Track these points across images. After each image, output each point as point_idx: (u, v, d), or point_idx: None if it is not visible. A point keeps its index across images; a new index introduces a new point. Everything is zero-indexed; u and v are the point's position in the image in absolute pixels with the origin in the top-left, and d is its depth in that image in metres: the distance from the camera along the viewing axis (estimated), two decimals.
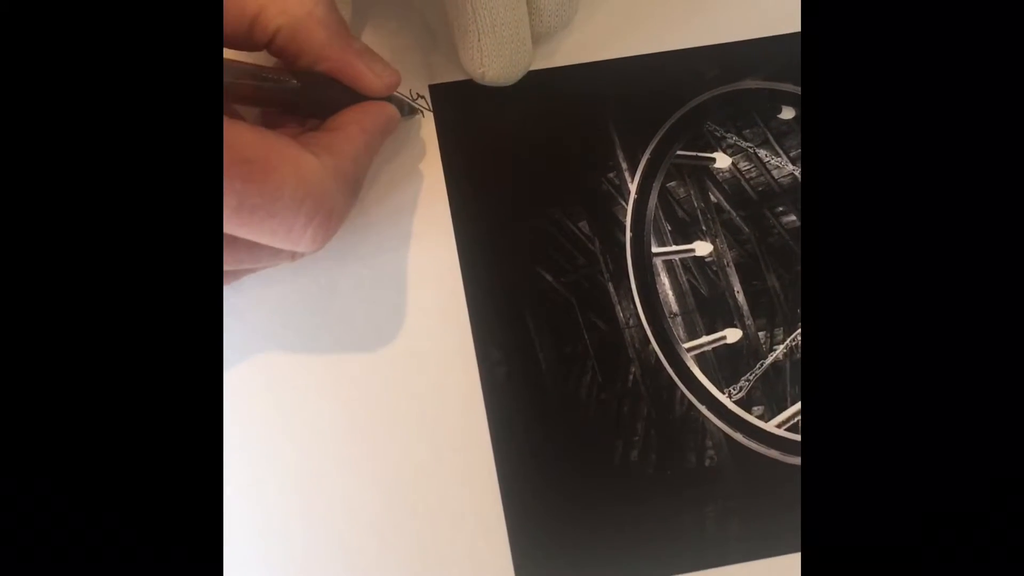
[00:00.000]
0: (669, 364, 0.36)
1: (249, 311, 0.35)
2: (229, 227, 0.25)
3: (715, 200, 0.38)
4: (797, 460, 0.35)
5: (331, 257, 0.36)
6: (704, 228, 0.38)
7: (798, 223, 0.38)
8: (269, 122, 0.33)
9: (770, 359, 0.36)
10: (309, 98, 0.32)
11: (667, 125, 0.39)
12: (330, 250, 0.35)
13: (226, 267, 0.28)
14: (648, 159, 0.38)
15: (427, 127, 0.38)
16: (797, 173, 0.39)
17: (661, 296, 0.37)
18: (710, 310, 0.37)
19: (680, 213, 0.38)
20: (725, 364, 0.36)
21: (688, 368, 0.36)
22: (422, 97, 0.39)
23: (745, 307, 0.37)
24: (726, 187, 0.38)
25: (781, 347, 0.36)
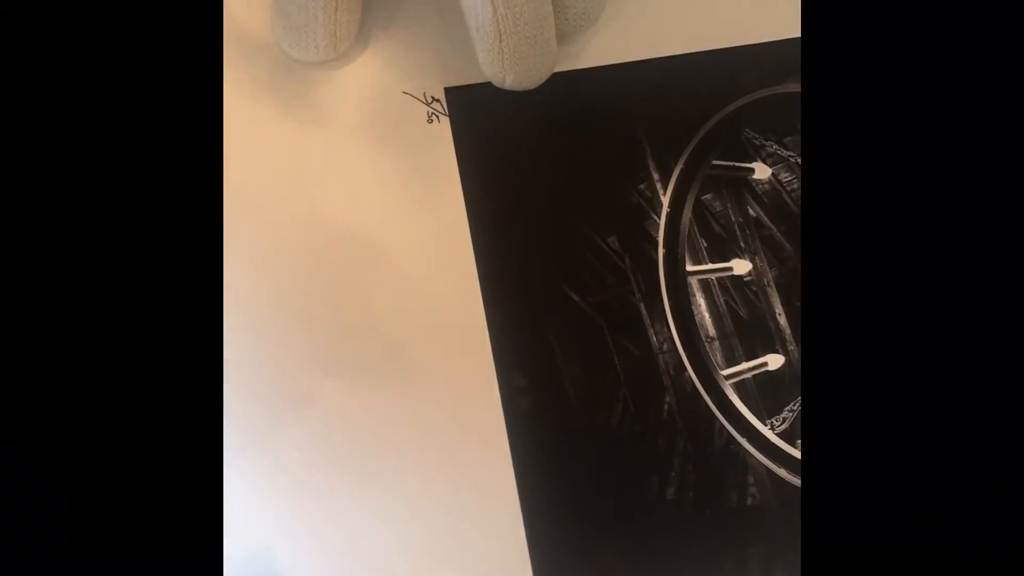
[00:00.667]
0: (707, 393, 0.33)
1: (253, 332, 0.33)
2: None
3: (754, 214, 0.36)
4: None
5: (338, 272, 0.33)
6: (743, 245, 0.35)
7: None
8: None
9: None
10: None
11: (702, 132, 0.36)
12: (335, 264, 0.33)
13: None
14: (682, 169, 0.36)
15: (443, 134, 0.36)
16: None
17: (697, 318, 0.34)
18: (750, 334, 0.34)
19: (716, 228, 0.35)
20: (767, 393, 0.34)
21: (727, 397, 0.33)
22: (437, 101, 0.36)
23: (787, 331, 0.34)
24: (766, 200, 0.36)
25: None
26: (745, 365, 0.34)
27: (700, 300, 0.35)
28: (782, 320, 0.35)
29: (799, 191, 0.36)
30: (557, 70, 0.36)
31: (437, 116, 0.36)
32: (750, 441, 0.33)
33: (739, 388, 0.33)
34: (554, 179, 0.35)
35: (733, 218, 0.36)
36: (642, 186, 0.36)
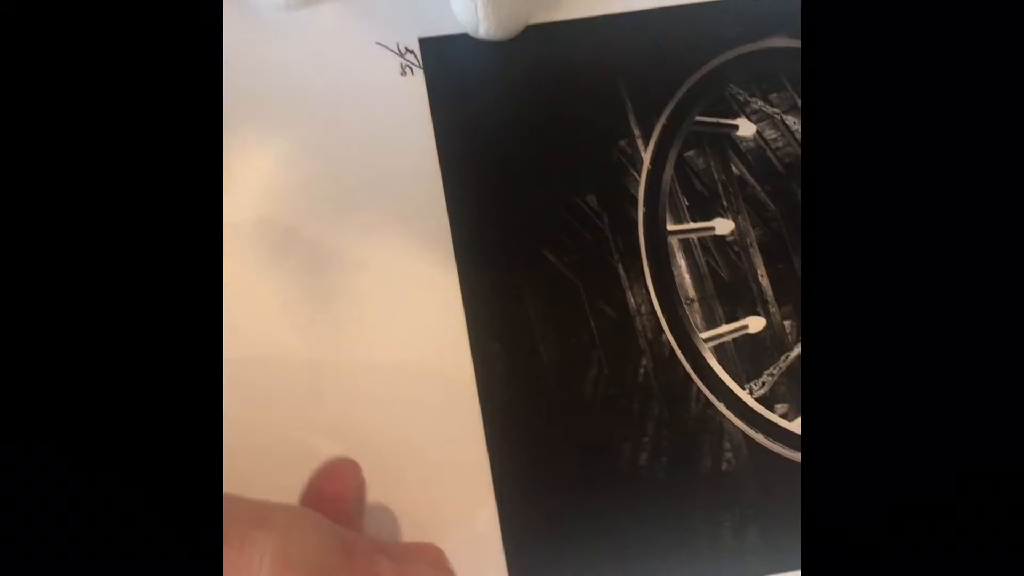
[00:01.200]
0: (684, 356, 0.32)
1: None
2: None
3: (737, 172, 0.35)
4: None
5: (309, 235, 0.32)
6: (725, 204, 0.34)
7: None
8: None
9: (796, 351, 0.33)
10: None
11: (685, 87, 0.35)
12: (308, 228, 0.32)
13: None
14: (663, 125, 0.35)
15: (417, 86, 0.34)
16: None
17: (677, 279, 0.33)
18: (731, 296, 0.33)
19: (699, 186, 0.34)
20: (746, 356, 0.33)
21: (705, 361, 0.32)
22: (411, 52, 0.35)
23: (769, 292, 0.33)
24: (750, 158, 0.35)
25: None
26: (725, 328, 0.33)
27: (680, 261, 0.34)
28: (764, 282, 0.34)
29: (784, 149, 0.35)
30: (535, 22, 0.35)
31: (411, 68, 0.35)
32: (727, 406, 0.32)
33: (718, 351, 0.33)
34: (531, 135, 0.34)
35: (716, 176, 0.35)
36: (622, 142, 0.34)
